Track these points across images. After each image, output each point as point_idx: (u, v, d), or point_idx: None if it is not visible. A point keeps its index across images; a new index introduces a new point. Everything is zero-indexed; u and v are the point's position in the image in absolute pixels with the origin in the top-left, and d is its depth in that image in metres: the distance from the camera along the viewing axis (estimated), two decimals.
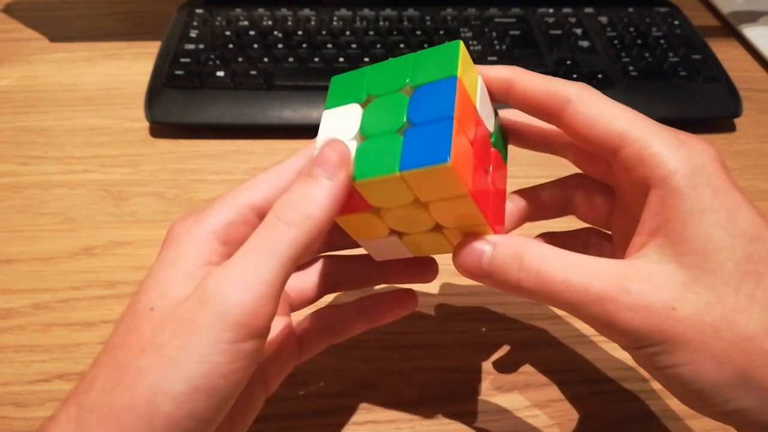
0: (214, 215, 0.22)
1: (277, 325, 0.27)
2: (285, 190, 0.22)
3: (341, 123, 0.22)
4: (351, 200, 0.21)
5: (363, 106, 0.22)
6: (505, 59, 0.50)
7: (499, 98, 0.24)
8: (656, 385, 0.32)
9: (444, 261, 0.38)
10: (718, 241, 0.19)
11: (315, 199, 0.20)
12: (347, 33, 0.52)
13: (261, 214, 0.22)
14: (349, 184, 0.21)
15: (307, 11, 0.54)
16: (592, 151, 0.23)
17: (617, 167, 0.22)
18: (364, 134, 0.22)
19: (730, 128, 0.49)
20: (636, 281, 0.20)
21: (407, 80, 0.22)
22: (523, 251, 0.21)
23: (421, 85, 0.22)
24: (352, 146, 0.21)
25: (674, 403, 0.31)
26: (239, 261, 0.19)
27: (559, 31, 0.53)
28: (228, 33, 0.51)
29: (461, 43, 0.22)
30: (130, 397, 0.18)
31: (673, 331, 0.19)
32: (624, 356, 0.33)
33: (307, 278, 0.28)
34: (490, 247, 0.22)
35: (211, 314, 0.18)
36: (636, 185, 0.21)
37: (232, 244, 0.22)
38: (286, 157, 0.24)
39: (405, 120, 0.21)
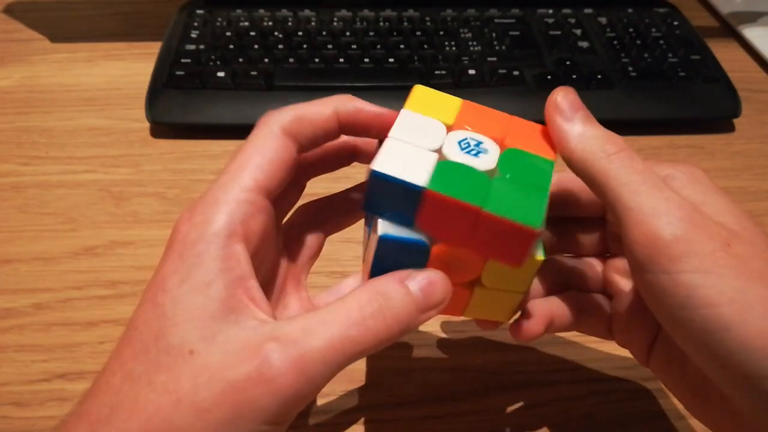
0: (224, 210, 0.20)
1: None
2: (279, 161, 0.21)
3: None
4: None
5: None
6: (504, 60, 0.50)
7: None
8: (656, 385, 0.32)
9: None
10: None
11: (402, 323, 0.20)
12: (347, 34, 0.52)
13: (268, 194, 0.21)
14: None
15: (307, 12, 0.54)
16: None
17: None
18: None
19: (730, 128, 0.49)
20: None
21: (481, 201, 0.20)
22: None
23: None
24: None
25: (673, 403, 0.31)
26: (314, 342, 0.18)
27: (558, 32, 0.53)
28: (228, 33, 0.51)
29: (546, 200, 0.20)
30: None
31: (723, 260, 0.17)
32: (623, 355, 0.33)
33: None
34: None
35: (269, 397, 0.18)
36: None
37: (252, 240, 0.21)
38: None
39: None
